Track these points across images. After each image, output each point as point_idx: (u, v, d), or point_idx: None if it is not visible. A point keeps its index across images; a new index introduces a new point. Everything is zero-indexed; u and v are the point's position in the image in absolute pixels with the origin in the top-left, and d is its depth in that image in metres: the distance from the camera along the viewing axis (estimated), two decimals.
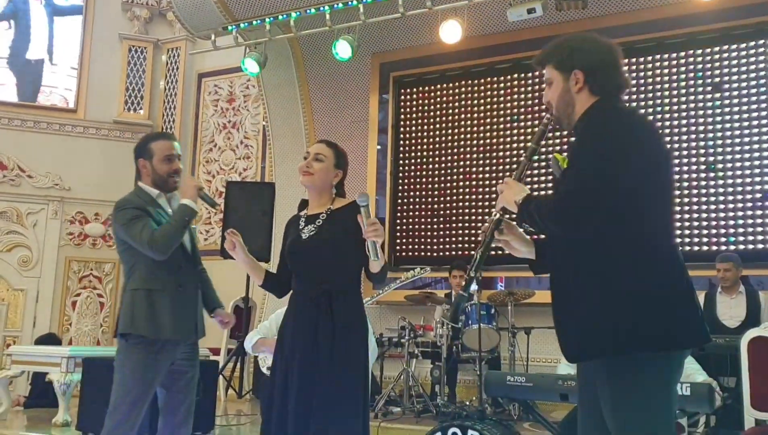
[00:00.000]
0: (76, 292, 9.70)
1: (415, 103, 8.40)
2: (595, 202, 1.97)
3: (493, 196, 5.30)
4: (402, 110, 8.44)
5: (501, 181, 2.23)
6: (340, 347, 2.84)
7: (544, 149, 5.80)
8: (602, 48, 2.24)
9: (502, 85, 7.89)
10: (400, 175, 8.35)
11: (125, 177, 9.74)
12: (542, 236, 2.32)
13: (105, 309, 9.80)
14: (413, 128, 8.35)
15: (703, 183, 6.81)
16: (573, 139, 2.29)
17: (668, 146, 2.31)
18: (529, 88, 7.74)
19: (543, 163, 6.29)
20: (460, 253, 7.61)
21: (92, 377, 5.07)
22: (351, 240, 2.87)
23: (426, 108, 8.31)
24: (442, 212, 8.00)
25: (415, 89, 8.40)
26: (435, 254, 7.90)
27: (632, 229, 2.01)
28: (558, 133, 6.68)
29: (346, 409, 2.80)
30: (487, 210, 7.54)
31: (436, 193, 8.09)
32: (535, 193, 2.19)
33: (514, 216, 2.21)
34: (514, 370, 6.09)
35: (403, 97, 8.47)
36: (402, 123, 8.41)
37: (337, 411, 2.78)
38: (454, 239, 7.86)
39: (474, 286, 6.76)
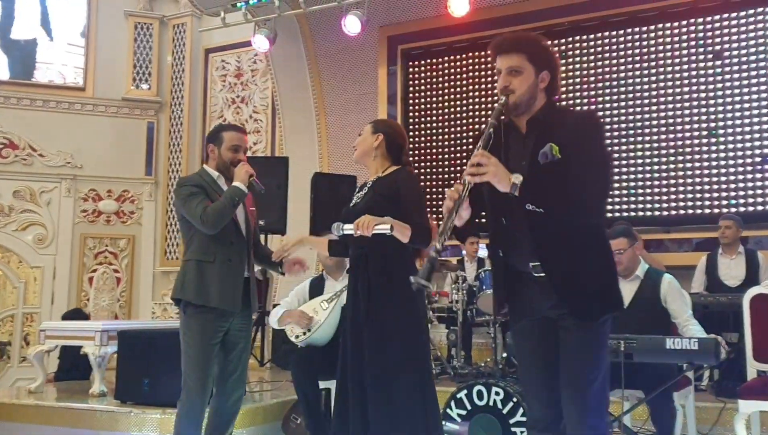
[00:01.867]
0: (93, 268, 9.82)
1: (423, 75, 8.58)
2: (607, 193, 2.51)
3: None
4: (410, 82, 8.62)
5: (475, 152, 2.34)
6: (374, 305, 3.07)
7: None
8: (558, 59, 2.62)
9: None
10: (411, 145, 8.54)
11: (136, 153, 10.12)
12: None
13: (121, 284, 10.00)
14: (422, 100, 8.54)
15: (705, 148, 7.04)
16: (543, 130, 2.46)
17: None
18: None
19: None
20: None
21: (127, 349, 5.25)
22: (387, 207, 3.06)
23: (434, 80, 8.49)
24: (452, 182, 8.21)
25: (422, 61, 8.58)
26: None
27: (600, 221, 2.60)
28: None
29: (385, 365, 3.03)
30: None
31: (446, 163, 8.31)
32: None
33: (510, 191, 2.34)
34: None
35: (411, 69, 8.64)
36: (411, 95, 8.60)
37: (378, 369, 3.03)
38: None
39: (485, 253, 7.03)
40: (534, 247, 2.45)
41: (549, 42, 2.60)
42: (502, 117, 2.52)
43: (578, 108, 7.42)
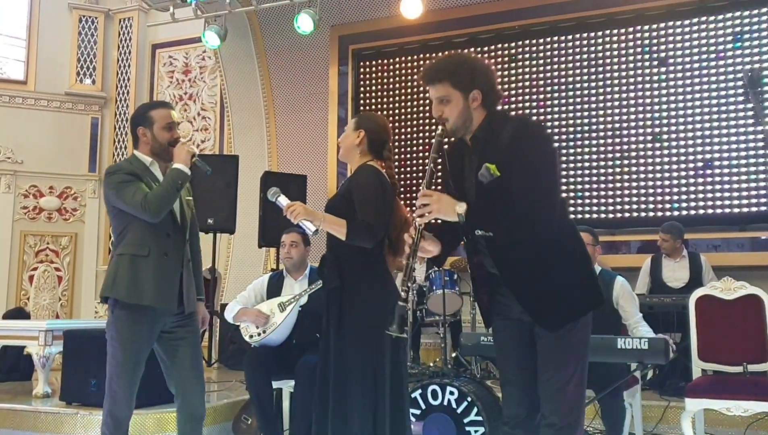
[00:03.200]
0: (33, 267, 9.59)
1: (373, 75, 8.59)
2: (548, 211, 2.40)
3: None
4: (361, 82, 8.62)
5: (419, 193, 2.43)
6: (331, 308, 3.04)
7: None
8: (490, 69, 2.59)
9: None
10: None
11: (79, 149, 9.87)
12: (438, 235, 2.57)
13: (63, 283, 9.75)
14: (372, 100, 8.55)
15: (650, 153, 7.22)
16: (484, 147, 2.48)
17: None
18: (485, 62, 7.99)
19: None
20: None
21: (74, 349, 5.11)
22: (342, 205, 3.02)
23: (384, 80, 8.51)
24: (403, 184, 8.24)
25: (373, 62, 8.58)
26: None
27: (564, 222, 2.55)
28: None
29: (340, 369, 3.00)
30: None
31: (397, 164, 8.32)
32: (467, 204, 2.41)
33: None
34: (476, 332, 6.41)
35: (362, 69, 8.64)
36: (361, 95, 8.59)
37: (335, 373, 3.01)
38: (413, 209, 8.08)
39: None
40: (495, 266, 2.49)
41: (478, 53, 2.67)
42: (445, 144, 2.57)
43: (524, 111, 7.54)
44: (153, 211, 3.15)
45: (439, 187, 2.60)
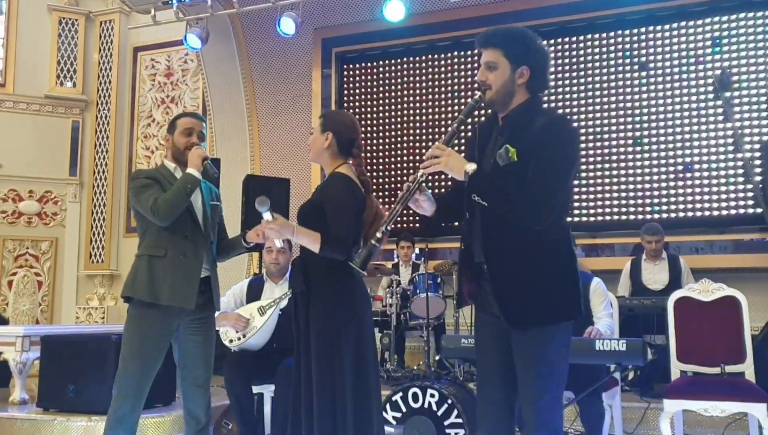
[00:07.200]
0: (12, 272, 9.48)
1: (357, 78, 8.59)
2: (553, 202, 2.34)
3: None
4: (345, 85, 8.62)
5: (433, 146, 2.40)
6: (299, 313, 3.03)
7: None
8: (545, 52, 2.52)
9: (442, 62, 8.15)
10: None
11: (59, 153, 9.79)
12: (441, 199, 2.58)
13: (43, 288, 9.64)
14: (356, 103, 8.54)
15: (630, 156, 7.28)
16: (514, 129, 2.44)
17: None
18: (468, 66, 8.02)
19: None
20: (404, 226, 7.87)
21: (51, 354, 5.07)
22: (315, 214, 2.99)
23: (368, 83, 8.51)
24: (386, 186, 8.25)
25: (357, 65, 8.58)
26: None
27: (562, 223, 2.47)
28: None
29: (307, 373, 2.97)
30: (428, 184, 7.84)
31: (380, 167, 8.33)
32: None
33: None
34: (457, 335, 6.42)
35: (345, 72, 8.64)
36: (345, 98, 8.59)
37: (303, 377, 2.99)
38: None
39: (419, 258, 7.08)
40: (483, 243, 2.42)
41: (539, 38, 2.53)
42: (476, 111, 2.50)
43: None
44: (161, 215, 3.22)
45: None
